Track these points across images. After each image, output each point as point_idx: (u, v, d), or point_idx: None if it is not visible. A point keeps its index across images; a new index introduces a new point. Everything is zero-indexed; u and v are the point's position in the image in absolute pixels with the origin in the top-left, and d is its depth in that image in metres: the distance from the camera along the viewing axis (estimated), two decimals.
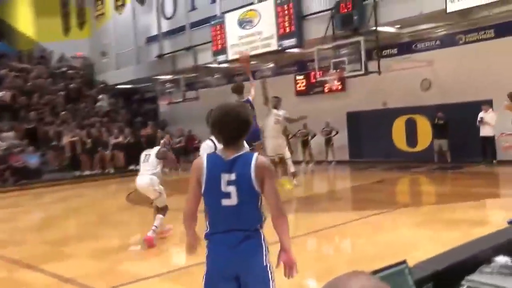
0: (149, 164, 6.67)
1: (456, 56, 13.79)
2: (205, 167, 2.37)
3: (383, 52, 15.13)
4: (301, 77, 17.94)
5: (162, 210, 6.64)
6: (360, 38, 12.85)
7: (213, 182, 2.32)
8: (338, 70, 13.33)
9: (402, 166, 13.99)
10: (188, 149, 19.57)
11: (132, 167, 18.46)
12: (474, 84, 13.36)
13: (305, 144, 16.51)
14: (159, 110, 21.95)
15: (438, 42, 14.37)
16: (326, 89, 16.79)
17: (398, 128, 15.09)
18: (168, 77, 19.58)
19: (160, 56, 20.56)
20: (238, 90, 7.35)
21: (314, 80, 16.27)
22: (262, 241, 2.33)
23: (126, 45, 22.65)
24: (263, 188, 2.31)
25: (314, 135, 16.47)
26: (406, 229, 6.57)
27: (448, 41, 14.10)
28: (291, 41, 15.16)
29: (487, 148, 12.71)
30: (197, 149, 19.42)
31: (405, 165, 14.10)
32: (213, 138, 4.63)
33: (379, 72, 13.49)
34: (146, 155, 6.86)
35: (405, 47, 15.01)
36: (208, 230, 2.37)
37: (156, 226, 6.44)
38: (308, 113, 16.82)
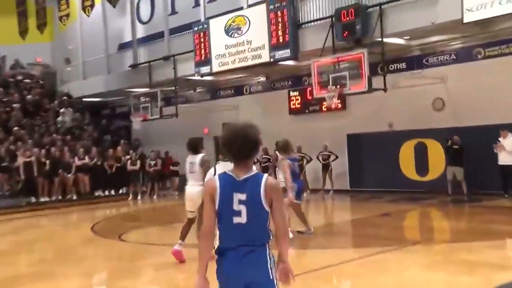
0: (196, 174, 7.30)
1: (473, 72, 13.90)
2: (218, 186, 2.85)
3: (390, 66, 15.23)
4: (296, 93, 17.97)
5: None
6: (364, 50, 12.92)
7: (226, 201, 2.83)
8: (338, 86, 13.36)
9: (411, 198, 13.91)
10: (164, 174, 19.38)
11: (99, 193, 18.31)
12: (493, 105, 13.44)
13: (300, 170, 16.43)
14: (132, 128, 21.76)
15: (452, 57, 14.49)
16: (324, 108, 16.80)
17: (406, 154, 15.08)
18: (143, 90, 19.51)
19: (134, 65, 20.54)
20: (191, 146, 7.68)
21: (310, 97, 16.26)
22: (268, 256, 2.82)
23: (95, 51, 22.62)
24: (271, 207, 2.83)
25: (310, 160, 16.40)
26: (415, 271, 6.45)
27: (464, 56, 14.22)
28: (285, 52, 15.21)
29: (508, 178, 12.69)
30: (175, 173, 19.53)
31: (414, 196, 14.02)
32: (217, 165, 5.61)
33: (384, 90, 13.53)
34: (190, 163, 7.53)
35: (415, 62, 15.11)
36: (219, 245, 2.87)
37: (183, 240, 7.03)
38: (303, 134, 16.81)
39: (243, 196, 2.81)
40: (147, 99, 18.76)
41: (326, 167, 16.27)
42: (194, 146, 7.65)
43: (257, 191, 2.81)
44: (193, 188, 7.28)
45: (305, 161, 16.42)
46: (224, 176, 2.88)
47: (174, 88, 18.72)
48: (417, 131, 14.78)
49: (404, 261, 7.05)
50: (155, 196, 18.59)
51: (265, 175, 2.87)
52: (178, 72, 18.47)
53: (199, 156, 7.47)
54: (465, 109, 14.12)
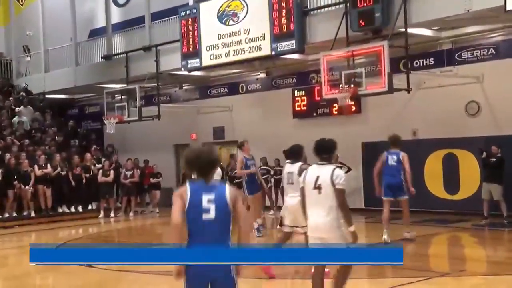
0: (296, 185, 7.56)
1: None
2: (188, 187, 4.23)
3: (415, 63, 15.19)
4: (302, 93, 17.93)
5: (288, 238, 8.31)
6: (384, 43, 12.88)
7: (196, 200, 4.16)
8: (352, 86, 13.31)
9: (438, 219, 13.82)
10: (143, 187, 19.28)
11: (63, 209, 18.19)
12: None
13: None
14: (105, 131, 21.68)
15: (491, 51, 14.45)
16: (335, 111, 16.76)
17: (433, 167, 15.01)
18: (119, 86, 19.47)
19: (108, 56, 20.50)
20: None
21: (318, 98, 16.22)
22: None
23: (60, 39, 22.55)
24: (235, 210, 4.21)
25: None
26: None
27: (505, 50, 14.19)
28: (289, 44, 15.17)
29: None
30: (155, 186, 19.44)
31: (442, 217, 13.92)
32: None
33: (408, 90, 13.47)
34: (288, 173, 8.22)
35: (445, 57, 15.08)
36: (188, 242, 4.15)
37: None
38: (310, 142, 16.71)
39: (211, 196, 4.21)
40: (123, 97, 18.72)
41: None
42: (297, 153, 8.22)
43: (223, 192, 4.25)
44: (293, 200, 7.93)
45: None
46: (194, 182, 4.24)
47: (156, 84, 18.66)
48: (447, 140, 14.70)
49: None
50: (131, 213, 18.51)
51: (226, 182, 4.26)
52: (161, 66, 18.44)
53: (297, 164, 8.11)
54: (505, 114, 14.07)
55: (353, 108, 16.31)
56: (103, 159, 19.44)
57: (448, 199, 14.67)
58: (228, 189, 4.26)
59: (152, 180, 19.22)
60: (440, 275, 8.30)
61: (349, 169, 16.01)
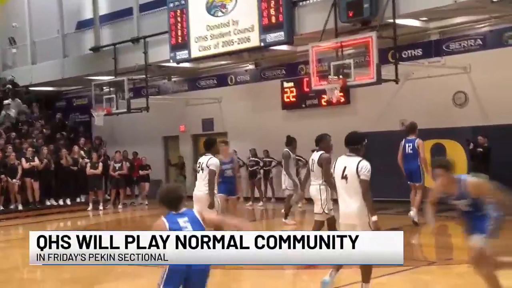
0: (315, 173, 8.70)
1: (503, 61, 14.03)
2: (164, 219, 5.07)
3: (403, 53, 15.33)
4: (290, 84, 18.02)
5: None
6: (372, 34, 12.98)
7: (174, 223, 4.99)
8: (340, 77, 13.40)
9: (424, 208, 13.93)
10: (132, 179, 19.33)
11: (51, 202, 18.22)
12: None
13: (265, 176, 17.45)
14: (93, 123, 21.70)
15: (478, 42, 14.62)
16: (323, 102, 16.86)
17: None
18: (107, 78, 19.47)
19: (95, 48, 20.47)
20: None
21: (307, 89, 16.32)
22: None
23: (47, 30, 22.50)
24: (204, 221, 5.06)
25: (306, 163, 16.39)
26: None
27: (492, 41, 14.35)
28: (278, 36, 15.24)
29: None
30: (145, 178, 19.48)
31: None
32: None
33: (396, 81, 13.60)
34: (311, 160, 8.87)
35: (433, 48, 15.22)
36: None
37: None
38: (299, 133, 16.84)
39: (185, 218, 5.02)
40: (111, 89, 18.70)
41: None
42: (320, 142, 8.82)
43: (192, 213, 5.12)
44: (311, 188, 8.83)
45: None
46: (167, 214, 5.09)
47: (144, 76, 18.67)
48: (434, 131, 14.85)
49: (416, 284, 7.09)
50: (120, 206, 18.56)
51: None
52: (149, 58, 18.43)
53: (319, 153, 8.73)
54: (491, 104, 14.24)
55: (342, 100, 16.40)
56: (91, 152, 19.43)
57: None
58: (195, 210, 5.22)
59: (141, 172, 19.28)
60: (427, 264, 8.38)
61: (277, 163, 16.45)
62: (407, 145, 11.95)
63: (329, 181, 8.23)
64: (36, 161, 17.72)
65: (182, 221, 4.96)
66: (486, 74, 14.30)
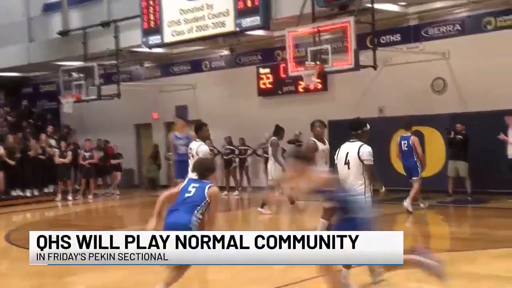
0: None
1: (482, 47, 14.20)
2: (186, 181, 6.14)
3: (381, 39, 15.43)
4: (267, 70, 18.06)
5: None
6: (350, 19, 13.02)
7: (186, 186, 5.94)
8: (318, 63, 13.45)
9: (404, 198, 14.10)
10: (103, 168, 19.22)
11: (17, 192, 18.02)
12: (505, 87, 13.79)
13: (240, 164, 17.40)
14: (61, 111, 21.50)
15: (457, 27, 14.79)
16: (300, 89, 16.93)
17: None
18: (76, 63, 19.26)
19: (64, 32, 20.23)
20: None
21: (284, 76, 16.36)
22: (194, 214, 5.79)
23: (11, 13, 22.12)
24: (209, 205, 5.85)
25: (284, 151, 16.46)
26: (407, 286, 6.58)
27: (471, 26, 14.52)
28: (254, 20, 15.20)
29: None
30: (116, 168, 19.38)
31: (407, 196, 14.21)
32: None
33: (374, 67, 13.68)
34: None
35: (412, 33, 15.37)
36: (169, 208, 5.85)
37: None
38: (275, 120, 16.86)
39: (196, 185, 5.94)
40: (81, 75, 18.48)
41: None
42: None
43: (205, 185, 5.89)
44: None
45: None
46: (190, 178, 6.21)
47: (115, 62, 18.53)
48: (413, 118, 14.99)
49: (392, 274, 7.17)
50: (90, 196, 18.46)
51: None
52: (120, 42, 18.30)
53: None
54: (470, 91, 14.44)
55: (319, 86, 16.49)
56: (62, 142, 19.24)
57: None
58: (210, 185, 5.90)
59: (113, 161, 19.19)
60: (404, 253, 8.49)
61: (253, 151, 16.85)
62: (402, 142, 12.59)
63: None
64: (1, 150, 17.49)
65: (191, 186, 5.91)
66: (465, 60, 14.48)
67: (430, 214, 12.66)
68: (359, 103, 15.94)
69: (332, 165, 8.74)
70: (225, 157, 17.50)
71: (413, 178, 12.45)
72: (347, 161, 6.61)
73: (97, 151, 19.04)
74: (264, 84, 18.12)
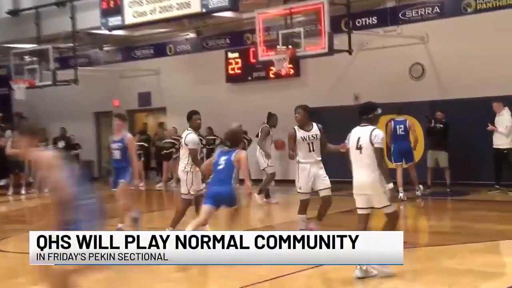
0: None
1: (462, 30, 14.34)
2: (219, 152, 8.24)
3: (357, 22, 15.48)
4: (235, 55, 18.03)
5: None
6: (323, 0, 12.98)
7: (217, 160, 7.95)
8: (289, 47, 13.47)
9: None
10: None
11: None
12: (486, 73, 13.94)
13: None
14: (13, 97, 21.16)
15: (436, 10, 14.90)
16: (271, 74, 16.95)
17: None
18: (29, 46, 19.04)
19: (14, 12, 19.96)
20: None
21: (254, 60, 16.34)
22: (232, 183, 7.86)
23: None
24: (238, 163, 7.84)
25: (250, 142, 16.44)
26: (384, 282, 6.64)
27: (450, 9, 14.64)
28: (222, 1, 15.09)
29: (501, 166, 13.25)
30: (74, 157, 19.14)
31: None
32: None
33: (349, 51, 13.76)
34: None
35: (389, 16, 15.42)
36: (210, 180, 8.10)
37: None
38: (244, 108, 16.91)
39: (225, 157, 7.77)
40: (34, 59, 18.33)
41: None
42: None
43: (231, 154, 7.78)
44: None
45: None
46: (222, 150, 8.18)
47: (72, 45, 18.34)
48: (390, 105, 15.09)
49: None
50: (46, 190, 18.17)
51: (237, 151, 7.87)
52: (77, 24, 18.07)
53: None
54: (449, 76, 14.60)
55: (291, 72, 16.50)
56: (7, 131, 18.92)
57: (390, 168, 15.00)
58: (236, 153, 7.80)
59: (71, 152, 18.96)
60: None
61: (221, 141, 16.36)
62: (397, 126, 13.04)
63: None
64: None
65: (222, 159, 7.77)
66: (444, 44, 14.62)
67: (408, 207, 12.78)
68: (333, 89, 16.01)
69: (324, 150, 9.21)
70: (207, 147, 17.32)
71: (408, 163, 13.06)
72: (359, 146, 6.82)
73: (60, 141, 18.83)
74: (233, 69, 18.09)
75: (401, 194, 12.63)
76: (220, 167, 7.68)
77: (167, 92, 19.24)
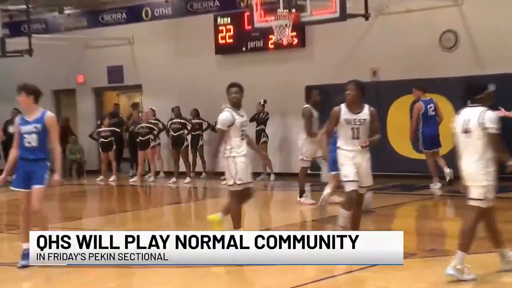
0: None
1: None
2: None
3: None
4: (227, 20, 17.95)
5: None
6: None
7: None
8: (293, 10, 13.40)
9: (405, 185, 14.17)
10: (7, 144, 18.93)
11: None
12: None
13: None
14: None
15: None
16: (270, 45, 16.90)
17: (398, 118, 15.38)
18: None
19: None
20: None
21: (249, 28, 16.22)
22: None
23: None
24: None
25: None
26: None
27: None
28: None
29: None
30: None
31: (409, 182, 14.27)
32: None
33: (365, 16, 13.71)
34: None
35: None
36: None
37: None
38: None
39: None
40: None
41: (259, 135, 16.60)
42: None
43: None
44: None
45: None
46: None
47: (25, 7, 18.21)
48: (415, 82, 15.05)
49: (391, 282, 7.19)
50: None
51: None
52: None
53: None
54: (488, 47, 14.52)
55: (295, 41, 16.43)
56: None
57: (416, 159, 15.01)
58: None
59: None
60: (406, 256, 8.49)
61: (209, 126, 16.73)
62: (428, 106, 13.30)
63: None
64: None
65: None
66: (483, 7, 14.52)
67: (439, 207, 12.74)
68: (345, 63, 15.94)
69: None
70: (173, 133, 17.31)
71: (436, 149, 13.45)
72: (467, 129, 6.99)
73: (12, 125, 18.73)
74: (224, 38, 18.04)
75: (436, 186, 13.27)
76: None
77: (142, 66, 19.17)
